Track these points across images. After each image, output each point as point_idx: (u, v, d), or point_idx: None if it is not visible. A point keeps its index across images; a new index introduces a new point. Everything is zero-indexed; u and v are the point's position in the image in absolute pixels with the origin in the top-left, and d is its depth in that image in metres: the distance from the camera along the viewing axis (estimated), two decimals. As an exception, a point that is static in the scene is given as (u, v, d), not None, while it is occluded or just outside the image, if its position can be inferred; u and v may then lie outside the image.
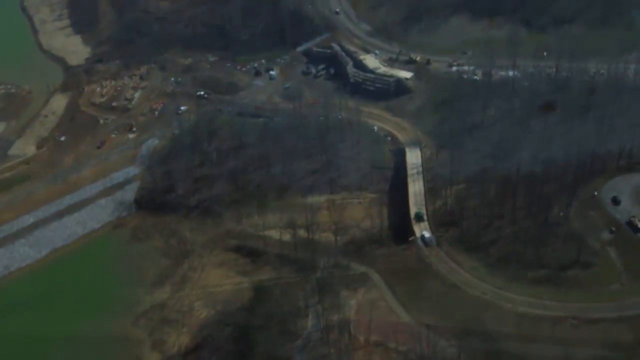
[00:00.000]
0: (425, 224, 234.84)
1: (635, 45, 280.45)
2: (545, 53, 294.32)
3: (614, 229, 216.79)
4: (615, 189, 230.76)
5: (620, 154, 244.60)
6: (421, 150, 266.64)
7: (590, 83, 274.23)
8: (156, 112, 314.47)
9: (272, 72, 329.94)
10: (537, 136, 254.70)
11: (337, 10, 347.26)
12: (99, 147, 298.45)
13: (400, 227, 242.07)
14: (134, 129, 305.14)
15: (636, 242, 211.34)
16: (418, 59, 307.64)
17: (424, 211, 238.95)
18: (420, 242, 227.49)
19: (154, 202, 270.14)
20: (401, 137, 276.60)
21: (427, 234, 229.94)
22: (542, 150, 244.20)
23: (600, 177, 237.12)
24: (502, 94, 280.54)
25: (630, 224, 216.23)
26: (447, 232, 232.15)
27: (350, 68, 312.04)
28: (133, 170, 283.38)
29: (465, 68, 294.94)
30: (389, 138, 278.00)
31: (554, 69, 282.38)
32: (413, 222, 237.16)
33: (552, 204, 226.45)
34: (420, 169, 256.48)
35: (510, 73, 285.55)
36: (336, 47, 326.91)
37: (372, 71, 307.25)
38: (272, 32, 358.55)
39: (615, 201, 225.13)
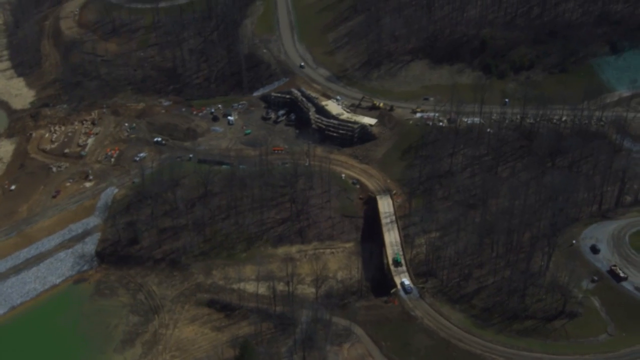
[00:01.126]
0: (404, 272, 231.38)
1: (596, 93, 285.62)
2: (506, 100, 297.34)
3: (595, 278, 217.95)
4: (592, 236, 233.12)
5: (592, 201, 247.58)
6: (392, 198, 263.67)
7: (556, 130, 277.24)
8: (112, 159, 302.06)
9: (230, 118, 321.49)
10: (507, 183, 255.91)
11: (302, 64, 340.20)
12: (54, 197, 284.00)
13: (377, 277, 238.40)
14: (90, 177, 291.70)
15: (619, 291, 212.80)
16: (381, 105, 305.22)
17: (402, 259, 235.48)
18: (402, 292, 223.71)
19: (117, 254, 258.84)
20: (370, 184, 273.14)
21: (406, 281, 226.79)
22: (514, 197, 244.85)
23: (575, 224, 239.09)
24: (468, 141, 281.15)
25: (612, 272, 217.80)
26: (426, 282, 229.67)
27: (312, 114, 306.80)
28: (93, 221, 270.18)
29: (431, 114, 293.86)
30: (358, 186, 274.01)
31: (519, 116, 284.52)
32: (391, 267, 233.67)
33: (532, 253, 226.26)
34: (394, 218, 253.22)
35: (476, 120, 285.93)
36: (296, 93, 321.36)
37: (335, 117, 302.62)
38: (227, 75, 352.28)
39: (594, 250, 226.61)
